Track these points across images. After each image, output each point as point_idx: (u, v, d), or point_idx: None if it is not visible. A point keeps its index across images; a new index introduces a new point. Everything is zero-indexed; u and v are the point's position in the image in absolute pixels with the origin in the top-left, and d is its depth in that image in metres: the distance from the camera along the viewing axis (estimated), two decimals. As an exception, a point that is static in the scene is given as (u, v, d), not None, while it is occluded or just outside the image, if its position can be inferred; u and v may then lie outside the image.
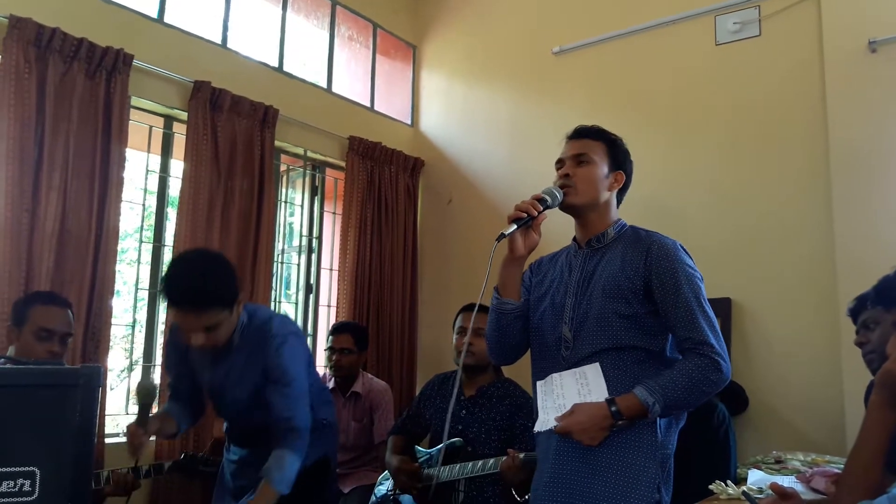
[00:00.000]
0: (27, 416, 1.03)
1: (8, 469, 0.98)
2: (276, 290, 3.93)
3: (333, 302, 4.13)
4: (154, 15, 3.38)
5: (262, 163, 3.62)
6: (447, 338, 2.98)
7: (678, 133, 3.63)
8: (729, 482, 1.96)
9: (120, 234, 3.05)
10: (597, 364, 1.65)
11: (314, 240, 4.22)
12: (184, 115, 3.39)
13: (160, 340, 3.28)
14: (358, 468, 3.28)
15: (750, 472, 2.23)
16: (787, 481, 1.90)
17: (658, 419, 1.61)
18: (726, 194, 3.43)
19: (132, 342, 3.37)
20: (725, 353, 1.60)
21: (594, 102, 3.90)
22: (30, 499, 0.99)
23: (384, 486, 2.85)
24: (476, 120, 4.49)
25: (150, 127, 3.40)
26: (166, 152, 3.47)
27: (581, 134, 1.81)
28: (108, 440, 2.98)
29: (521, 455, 2.24)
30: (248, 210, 3.55)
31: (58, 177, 2.82)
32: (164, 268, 3.42)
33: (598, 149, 1.77)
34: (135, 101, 3.19)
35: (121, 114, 3.03)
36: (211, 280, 1.98)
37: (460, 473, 2.49)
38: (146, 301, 3.38)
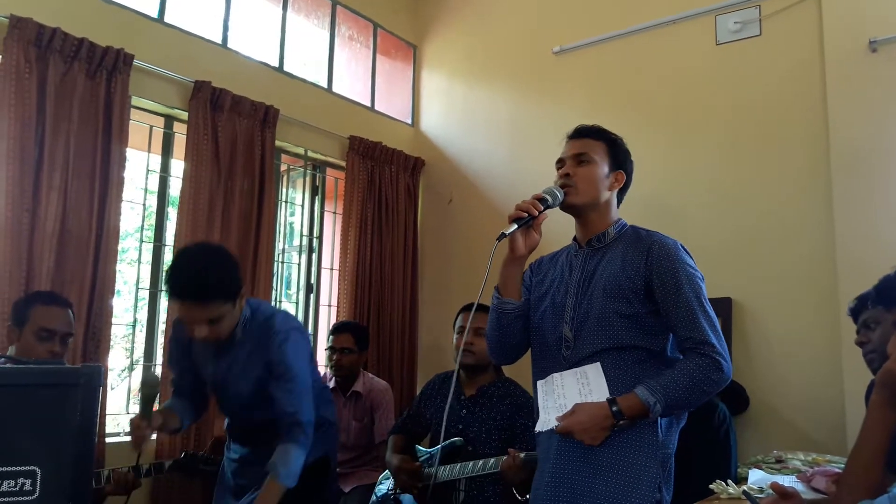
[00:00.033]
0: (28, 416, 1.03)
1: (9, 468, 0.98)
2: (276, 290, 3.93)
3: (334, 301, 4.13)
4: (154, 15, 3.38)
5: (263, 162, 3.63)
6: (448, 337, 2.99)
7: (679, 132, 3.63)
8: (730, 482, 1.96)
9: (120, 233, 3.05)
10: (598, 364, 1.65)
11: (315, 239, 4.22)
12: (184, 115, 3.39)
13: (161, 340, 3.28)
14: (358, 467, 3.28)
15: (751, 471, 2.23)
16: (787, 481, 1.90)
17: (659, 419, 1.61)
18: (727, 194, 3.43)
19: (133, 342, 3.37)
20: (726, 352, 1.60)
21: (594, 102, 3.90)
22: (31, 498, 0.99)
23: (384, 486, 2.85)
24: (476, 120, 4.50)
25: (151, 127, 3.40)
26: (167, 152, 3.47)
27: (581, 133, 1.81)
28: (108, 439, 2.99)
29: (522, 455, 2.24)
30: (248, 210, 3.55)
31: (58, 176, 2.82)
32: (166, 267, 3.43)
33: (598, 148, 1.77)
34: (135, 100, 3.19)
35: (121, 114, 3.03)
36: (214, 272, 1.99)
37: (461, 473, 2.49)
38: (147, 300, 3.38)
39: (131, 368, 3.46)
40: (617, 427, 1.58)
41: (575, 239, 1.83)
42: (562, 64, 4.11)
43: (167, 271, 2.04)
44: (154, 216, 3.46)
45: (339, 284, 4.11)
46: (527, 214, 1.65)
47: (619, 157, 1.80)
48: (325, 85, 4.27)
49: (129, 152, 3.13)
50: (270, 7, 4.00)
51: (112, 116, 3.01)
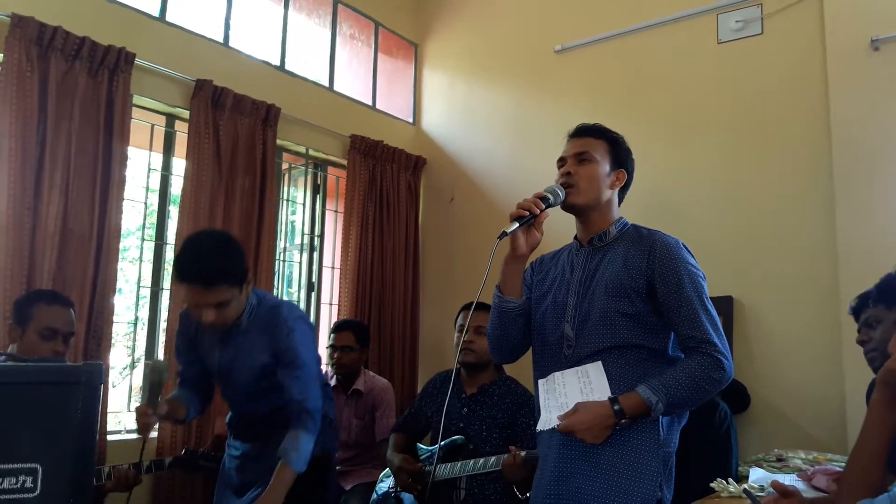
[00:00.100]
0: (29, 413, 1.03)
1: (10, 466, 0.99)
2: (277, 289, 3.94)
3: (335, 300, 4.14)
4: (156, 13, 3.38)
5: (264, 161, 3.63)
6: (449, 335, 2.99)
7: (680, 131, 3.63)
8: (730, 480, 1.96)
9: (122, 232, 3.05)
10: (599, 363, 1.65)
11: (316, 238, 4.22)
12: (186, 114, 3.39)
13: (162, 338, 3.28)
14: (359, 466, 3.29)
15: (751, 470, 2.23)
16: (788, 479, 1.90)
17: (660, 418, 1.61)
18: (728, 192, 3.43)
19: (134, 340, 3.38)
20: (728, 351, 1.60)
21: (596, 101, 3.90)
22: (32, 495, 0.99)
23: (385, 484, 2.85)
24: (478, 118, 4.49)
25: (152, 125, 3.40)
26: (168, 151, 3.47)
27: (582, 132, 1.81)
28: (109, 437, 2.99)
29: (523, 453, 2.25)
30: (249, 208, 3.55)
31: (60, 175, 2.82)
32: (167, 265, 3.44)
33: (599, 147, 1.77)
34: (137, 99, 3.19)
35: (123, 112, 3.04)
36: (221, 256, 2.04)
37: (462, 471, 2.50)
38: (148, 299, 3.39)
39: (133, 366, 3.47)
40: (619, 426, 1.58)
41: (576, 238, 1.82)
42: (563, 63, 4.11)
43: (175, 257, 2.07)
44: (155, 215, 3.46)
45: (340, 283, 4.11)
46: (528, 213, 1.65)
47: (621, 156, 1.79)
48: (326, 83, 4.27)
49: (131, 151, 3.13)
50: (272, 6, 4.00)
51: (113, 115, 3.02)
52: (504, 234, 1.64)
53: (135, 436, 3.16)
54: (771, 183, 3.32)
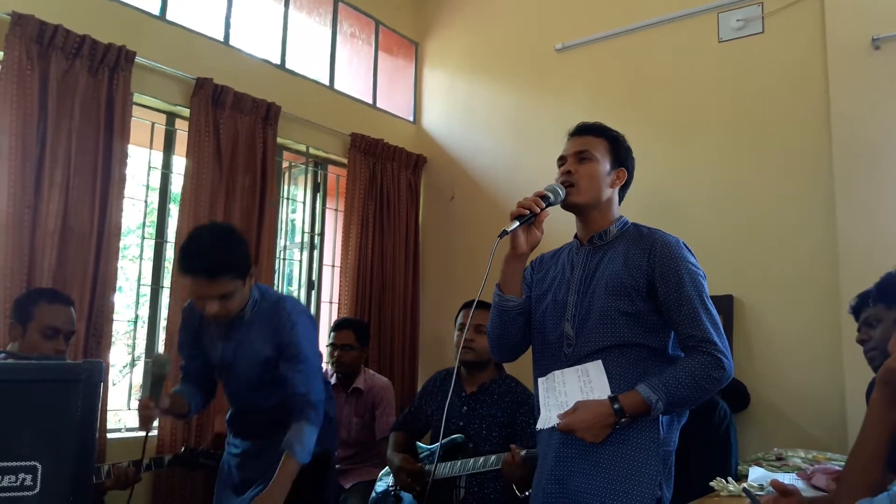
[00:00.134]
0: (29, 411, 1.03)
1: (9, 463, 0.98)
2: (278, 287, 3.94)
3: (335, 298, 4.14)
4: (156, 12, 3.38)
5: (265, 159, 3.63)
6: (449, 334, 2.99)
7: (680, 130, 3.62)
8: (730, 479, 1.96)
9: (122, 230, 3.06)
10: (599, 361, 1.65)
11: (316, 236, 4.22)
12: (186, 112, 3.39)
13: (162, 336, 3.28)
14: (359, 464, 3.29)
15: (751, 468, 2.22)
16: (787, 478, 1.89)
17: (660, 416, 1.61)
18: (729, 191, 3.42)
19: (134, 338, 3.38)
20: (728, 350, 1.60)
21: (596, 99, 3.90)
22: (31, 493, 0.99)
23: (384, 482, 2.85)
24: (478, 117, 4.49)
25: (153, 124, 3.40)
26: (168, 149, 3.47)
27: (583, 131, 1.81)
28: (109, 435, 2.99)
29: (523, 452, 2.25)
30: (250, 207, 3.55)
31: (60, 173, 2.82)
32: (167, 264, 3.44)
33: (599, 146, 1.77)
34: (137, 97, 3.19)
35: (123, 111, 3.04)
36: (225, 249, 2.07)
37: (461, 470, 2.50)
38: (148, 297, 3.39)
39: (133, 364, 3.47)
40: (618, 425, 1.58)
41: (576, 236, 1.82)
42: (564, 61, 4.11)
43: (179, 249, 2.10)
44: (156, 213, 3.46)
45: (340, 281, 4.12)
46: (528, 212, 1.65)
47: (621, 155, 1.79)
48: (326, 82, 4.27)
49: (131, 149, 3.14)
50: (272, 4, 4.00)
51: (114, 113, 3.02)
52: (504, 232, 1.64)
53: (135, 434, 3.17)
54: (771, 182, 3.32)
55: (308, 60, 4.26)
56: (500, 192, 4.22)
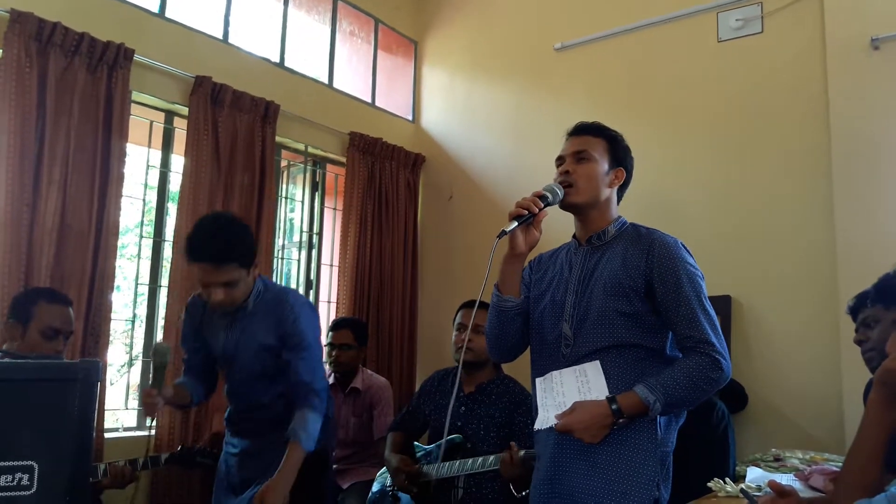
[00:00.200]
0: (26, 411, 1.03)
1: (6, 463, 0.98)
2: (276, 286, 3.92)
3: (333, 298, 4.13)
4: (155, 10, 3.38)
5: (263, 158, 3.62)
6: (447, 334, 2.99)
7: (679, 130, 3.62)
8: (728, 480, 1.96)
9: (120, 229, 3.05)
10: (597, 362, 1.65)
11: (314, 236, 4.22)
12: (185, 111, 3.39)
13: (160, 336, 3.28)
14: (357, 464, 3.28)
15: (749, 469, 2.23)
16: (785, 479, 1.90)
17: (658, 417, 1.61)
18: (727, 191, 3.43)
19: (132, 337, 3.37)
20: (726, 351, 1.60)
21: (596, 99, 3.89)
22: (28, 492, 0.99)
23: (381, 481, 2.85)
24: (477, 116, 4.49)
25: (151, 122, 3.40)
26: (167, 147, 3.47)
27: (581, 131, 1.80)
28: (107, 434, 2.99)
29: (521, 452, 2.25)
30: (248, 205, 3.55)
31: (58, 171, 2.82)
32: (166, 262, 3.44)
33: (598, 146, 1.76)
34: (136, 95, 3.19)
35: (122, 109, 3.03)
36: (231, 236, 2.12)
37: (460, 470, 2.50)
38: (146, 296, 3.38)
39: (130, 364, 3.46)
40: (616, 425, 1.58)
41: (574, 236, 1.82)
42: (563, 60, 4.11)
43: (187, 238, 2.16)
44: (154, 211, 3.46)
45: (338, 281, 4.11)
46: (527, 212, 1.64)
47: (619, 154, 1.79)
48: (325, 81, 4.26)
49: (130, 147, 3.13)
50: (271, 2, 4.00)
51: (112, 111, 3.01)
52: (503, 232, 1.63)
53: (132, 433, 3.17)
54: (770, 182, 3.32)
55: (307, 59, 4.26)
56: (499, 192, 4.22)
